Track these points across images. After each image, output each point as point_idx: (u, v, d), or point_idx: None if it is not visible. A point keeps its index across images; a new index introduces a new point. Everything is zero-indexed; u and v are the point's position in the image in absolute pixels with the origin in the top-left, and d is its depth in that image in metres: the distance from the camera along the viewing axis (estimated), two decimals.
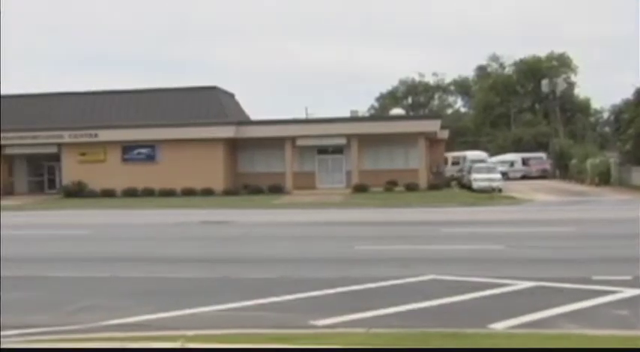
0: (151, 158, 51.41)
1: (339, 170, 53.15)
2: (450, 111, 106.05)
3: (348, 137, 50.57)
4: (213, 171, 49.75)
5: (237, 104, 58.80)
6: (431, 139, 54.28)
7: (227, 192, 48.74)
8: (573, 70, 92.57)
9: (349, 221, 27.26)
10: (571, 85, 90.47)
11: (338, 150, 52.94)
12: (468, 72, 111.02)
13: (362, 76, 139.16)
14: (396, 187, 48.11)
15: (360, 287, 11.86)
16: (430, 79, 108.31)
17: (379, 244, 18.70)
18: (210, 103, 52.13)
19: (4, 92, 53.93)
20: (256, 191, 49.23)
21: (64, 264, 16.02)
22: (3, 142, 52.35)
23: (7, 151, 53.43)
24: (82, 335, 8.45)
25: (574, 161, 58.88)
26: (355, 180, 49.77)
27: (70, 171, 51.81)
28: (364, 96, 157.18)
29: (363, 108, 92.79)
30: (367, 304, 10.32)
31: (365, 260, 15.77)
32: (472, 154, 64.49)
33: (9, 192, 54.18)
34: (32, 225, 28.13)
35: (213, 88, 53.39)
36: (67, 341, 7.73)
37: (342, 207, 36.72)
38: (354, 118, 56.72)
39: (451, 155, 64.83)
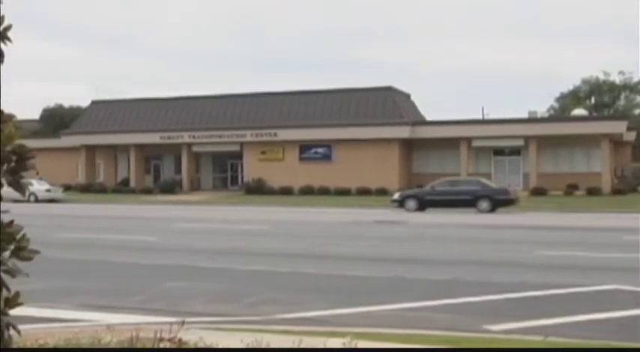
0: (327, 157, 52.58)
1: (516, 172, 51.75)
2: (638, 111, 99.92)
3: (526, 138, 49.11)
4: (388, 171, 50.09)
5: (412, 104, 58.84)
6: (615, 141, 51.54)
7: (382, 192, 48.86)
8: None
9: (526, 225, 26.51)
10: None
11: (515, 151, 51.56)
12: None
13: (542, 74, 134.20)
14: (576, 191, 46.14)
15: (536, 293, 11.52)
16: (616, 78, 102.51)
17: (557, 250, 18.05)
18: (385, 103, 52.53)
19: (198, 93, 57.49)
20: None
21: (247, 257, 16.78)
22: (192, 141, 55.63)
23: (195, 149, 56.74)
24: (260, 327, 8.84)
25: None
26: (533, 182, 48.25)
27: (251, 168, 54.12)
28: (544, 96, 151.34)
29: (542, 108, 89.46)
30: (544, 311, 10.01)
31: (542, 266, 15.28)
32: None
33: (195, 187, 57.55)
34: (218, 219, 29.66)
35: (389, 88, 53.77)
36: (246, 331, 8.10)
37: (519, 210, 35.73)
38: (533, 119, 54.99)
39: None
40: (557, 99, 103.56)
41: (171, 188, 54.94)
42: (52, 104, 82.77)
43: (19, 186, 2.84)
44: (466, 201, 34.90)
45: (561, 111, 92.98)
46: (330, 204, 40.86)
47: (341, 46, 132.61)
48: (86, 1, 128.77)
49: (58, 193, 48.64)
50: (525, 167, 50.66)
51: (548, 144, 49.44)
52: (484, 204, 34.46)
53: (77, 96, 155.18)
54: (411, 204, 35.36)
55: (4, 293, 2.63)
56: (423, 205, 35.28)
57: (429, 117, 59.30)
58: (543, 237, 22.12)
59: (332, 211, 35.64)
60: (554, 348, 7.85)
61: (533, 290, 11.69)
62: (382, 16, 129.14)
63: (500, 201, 35.05)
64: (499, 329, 8.98)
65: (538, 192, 46.36)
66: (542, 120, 58.75)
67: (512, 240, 21.21)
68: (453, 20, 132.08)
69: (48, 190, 47.45)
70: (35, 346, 6.30)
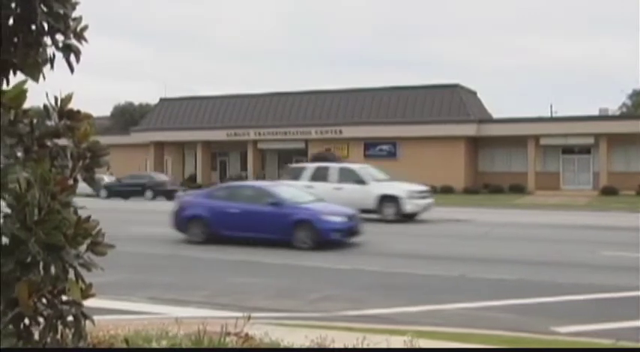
0: (391, 155, 52.36)
1: (586, 171, 50.58)
2: None
3: (596, 136, 47.95)
4: (453, 169, 49.61)
5: (479, 101, 58.08)
6: None
7: (467, 191, 48.38)
8: None
9: (594, 225, 25.88)
10: None
11: (585, 149, 50.41)
12: None
13: (614, 71, 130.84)
14: None
15: (604, 295, 11.27)
16: None
17: (626, 251, 17.54)
18: (451, 101, 52.00)
19: (265, 90, 58.07)
20: (497, 190, 48.36)
21: (310, 254, 16.87)
22: (258, 137, 56.12)
23: (260, 146, 57.25)
24: (323, 323, 8.89)
25: None
26: (603, 182, 47.10)
27: None
28: (616, 94, 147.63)
29: (613, 106, 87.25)
30: (613, 314, 9.79)
31: (610, 267, 14.91)
32: None
33: None
34: None
35: (455, 86, 53.16)
36: (309, 327, 8.15)
37: (588, 209, 34.96)
38: (603, 117, 53.61)
39: None
40: (630, 97, 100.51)
41: None
42: (122, 101, 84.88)
43: (93, 182, 2.93)
44: (138, 191, 44.23)
45: (634, 109, 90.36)
46: None
47: (408, 43, 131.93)
48: (157, 0, 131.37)
49: None
50: (595, 166, 49.49)
51: (619, 142, 48.17)
52: (148, 194, 43.96)
53: (146, 93, 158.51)
54: (102, 193, 43.43)
55: (80, 284, 2.72)
56: (111, 195, 43.82)
57: (495, 115, 58.47)
58: (611, 237, 21.55)
59: None
60: (624, 348, 7.67)
61: (602, 292, 11.44)
62: (449, 12, 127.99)
63: (159, 191, 44.35)
64: (567, 332, 8.82)
65: (608, 191, 45.23)
66: (614, 117, 57.21)
67: (578, 239, 20.74)
68: (521, 15, 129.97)
69: None
70: (106, 337, 6.48)
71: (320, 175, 27.06)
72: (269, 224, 17.99)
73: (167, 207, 23.97)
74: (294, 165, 29.19)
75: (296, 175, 27.63)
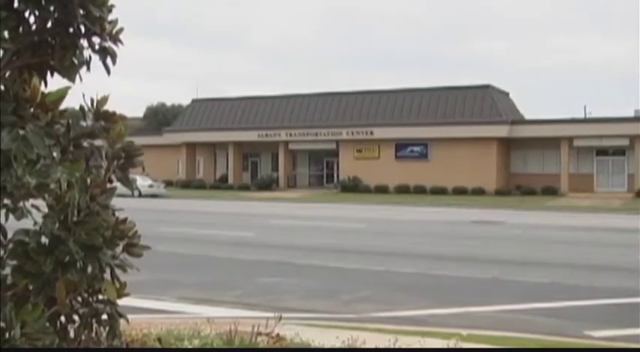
0: (423, 156, 52.13)
1: (620, 173, 49.86)
2: None
3: (632, 138, 47.24)
4: (485, 171, 49.26)
5: (511, 103, 57.54)
6: None
7: (499, 192, 48.03)
8: None
9: (629, 228, 25.52)
10: None
11: (619, 151, 49.71)
12: None
13: None
14: None
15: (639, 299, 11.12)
16: None
17: None
18: (483, 102, 51.58)
19: (298, 91, 58.13)
20: (529, 192, 47.93)
21: (342, 255, 16.86)
22: (289, 138, 56.25)
23: (291, 147, 57.36)
24: (355, 324, 8.88)
25: None
26: (638, 184, 46.40)
27: (347, 166, 54.25)
28: None
29: None
30: None
31: None
32: None
33: (292, 185, 58.18)
34: (314, 216, 29.90)
35: (487, 87, 52.71)
36: (341, 329, 8.15)
37: (622, 212, 34.49)
38: (638, 118, 52.81)
39: None
40: None
41: (267, 185, 55.76)
42: (154, 102, 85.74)
43: (127, 182, 2.96)
44: None
45: None
46: (426, 203, 40.52)
47: (441, 43, 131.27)
48: (189, 2, 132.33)
49: (160, 189, 50.11)
50: (630, 168, 48.76)
51: None
52: None
53: (179, 94, 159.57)
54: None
55: (115, 284, 2.75)
56: None
57: (528, 116, 57.87)
58: None
59: (428, 210, 35.33)
60: (624, 348, 7.55)
61: (637, 297, 11.26)
62: (481, 13, 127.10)
63: None
64: (601, 336, 8.71)
65: None
66: None
67: (613, 242, 20.47)
68: (554, 16, 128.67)
69: (151, 186, 48.96)
70: (139, 335, 6.54)
71: None
72: None
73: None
74: None
75: None
